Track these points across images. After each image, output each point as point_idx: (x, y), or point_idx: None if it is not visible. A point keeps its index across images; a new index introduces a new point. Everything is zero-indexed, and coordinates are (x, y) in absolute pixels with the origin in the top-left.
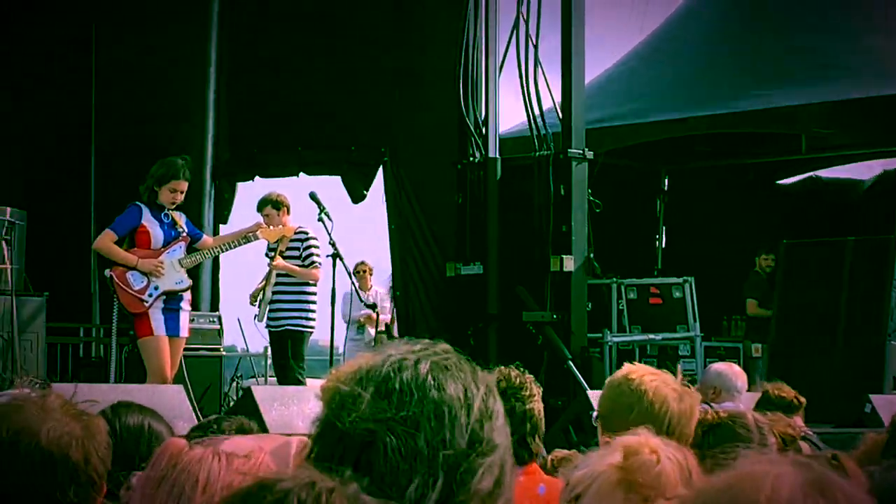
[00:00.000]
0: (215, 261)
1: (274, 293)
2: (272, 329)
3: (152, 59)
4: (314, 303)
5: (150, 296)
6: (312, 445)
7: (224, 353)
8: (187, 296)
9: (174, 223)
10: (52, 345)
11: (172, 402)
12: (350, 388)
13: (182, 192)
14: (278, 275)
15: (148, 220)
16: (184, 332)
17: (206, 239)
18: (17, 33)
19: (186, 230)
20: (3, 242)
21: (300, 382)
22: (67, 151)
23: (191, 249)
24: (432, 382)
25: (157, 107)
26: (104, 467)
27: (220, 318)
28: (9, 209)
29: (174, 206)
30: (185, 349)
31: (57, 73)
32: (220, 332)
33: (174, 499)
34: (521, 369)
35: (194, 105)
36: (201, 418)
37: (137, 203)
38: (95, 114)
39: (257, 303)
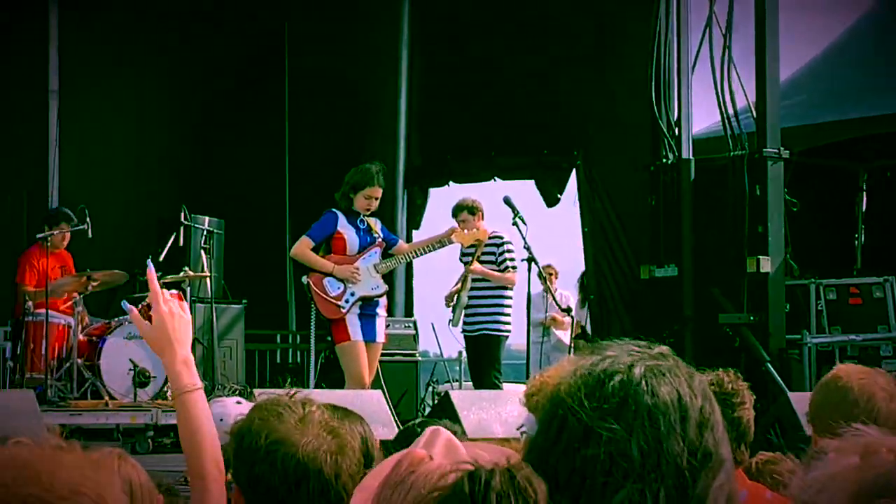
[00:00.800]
0: (409, 266)
1: (470, 297)
2: (468, 333)
3: (343, 66)
4: (510, 307)
5: (347, 302)
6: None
7: (420, 358)
8: (383, 301)
9: (370, 229)
10: (250, 351)
11: (373, 408)
12: (563, 393)
13: (377, 199)
14: (474, 279)
15: (343, 227)
16: (380, 337)
17: (401, 244)
18: (210, 36)
19: (382, 235)
20: (203, 251)
21: (497, 387)
22: (263, 159)
23: (386, 255)
24: (645, 387)
25: (349, 114)
26: (353, 484)
27: (415, 323)
28: (207, 219)
29: (369, 213)
30: (382, 354)
31: (252, 77)
32: (415, 338)
33: None
34: (737, 374)
35: (386, 112)
36: (399, 424)
37: (333, 210)
38: (289, 121)
39: (451, 306)
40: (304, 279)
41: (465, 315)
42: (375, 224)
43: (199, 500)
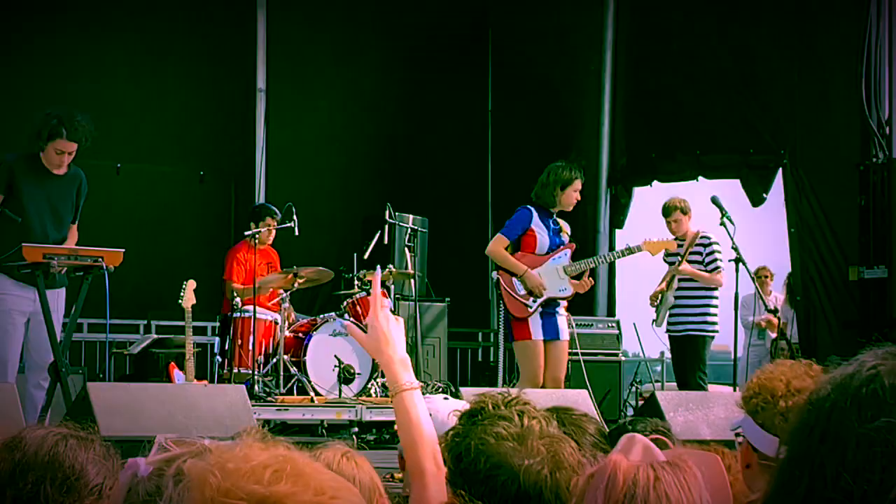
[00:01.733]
0: (612, 266)
1: (676, 297)
2: (673, 334)
3: (547, 63)
4: (716, 307)
5: (535, 301)
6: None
7: (623, 358)
8: (563, 301)
9: (561, 230)
10: (451, 349)
11: (578, 407)
12: (824, 395)
13: (577, 192)
14: (681, 279)
15: (537, 225)
16: (564, 335)
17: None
18: (412, 35)
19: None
20: (407, 249)
21: (701, 387)
22: (466, 156)
23: (575, 257)
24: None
25: (553, 112)
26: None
27: (618, 322)
28: (411, 217)
29: (571, 208)
30: (584, 354)
31: (455, 77)
32: (618, 338)
33: None
34: None
35: (590, 110)
36: (604, 423)
37: (528, 206)
38: (492, 120)
39: (656, 306)
40: (494, 275)
41: (671, 315)
42: (566, 227)
43: (420, 496)
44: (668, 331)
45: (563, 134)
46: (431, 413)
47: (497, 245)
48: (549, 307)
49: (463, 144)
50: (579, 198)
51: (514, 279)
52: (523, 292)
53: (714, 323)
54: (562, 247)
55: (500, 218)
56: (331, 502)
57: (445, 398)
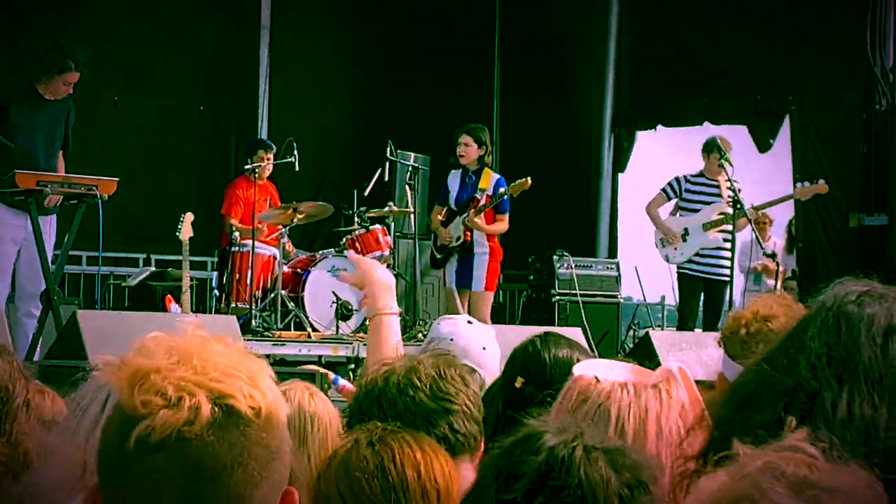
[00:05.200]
0: (613, 208)
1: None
2: (705, 276)
3: (554, 3)
4: (730, 251)
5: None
6: (748, 396)
7: (621, 300)
8: (480, 249)
9: (477, 184)
10: None
11: None
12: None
13: (467, 146)
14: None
15: (452, 183)
16: (477, 285)
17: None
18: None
19: (490, 192)
20: (408, 188)
21: None
22: (471, 94)
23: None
24: None
25: (559, 51)
26: None
27: (617, 265)
28: (413, 155)
29: (464, 162)
30: (583, 295)
31: (462, 5)
32: (617, 280)
33: None
34: None
35: (595, 52)
36: None
37: (451, 170)
38: (499, 58)
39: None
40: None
41: (703, 255)
42: (490, 179)
43: None
44: (696, 271)
45: (570, 74)
46: (452, 335)
47: (432, 213)
48: (463, 257)
49: (468, 83)
50: (466, 154)
51: (434, 234)
52: (438, 245)
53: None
54: (470, 201)
55: (505, 157)
56: (210, 383)
57: (469, 321)
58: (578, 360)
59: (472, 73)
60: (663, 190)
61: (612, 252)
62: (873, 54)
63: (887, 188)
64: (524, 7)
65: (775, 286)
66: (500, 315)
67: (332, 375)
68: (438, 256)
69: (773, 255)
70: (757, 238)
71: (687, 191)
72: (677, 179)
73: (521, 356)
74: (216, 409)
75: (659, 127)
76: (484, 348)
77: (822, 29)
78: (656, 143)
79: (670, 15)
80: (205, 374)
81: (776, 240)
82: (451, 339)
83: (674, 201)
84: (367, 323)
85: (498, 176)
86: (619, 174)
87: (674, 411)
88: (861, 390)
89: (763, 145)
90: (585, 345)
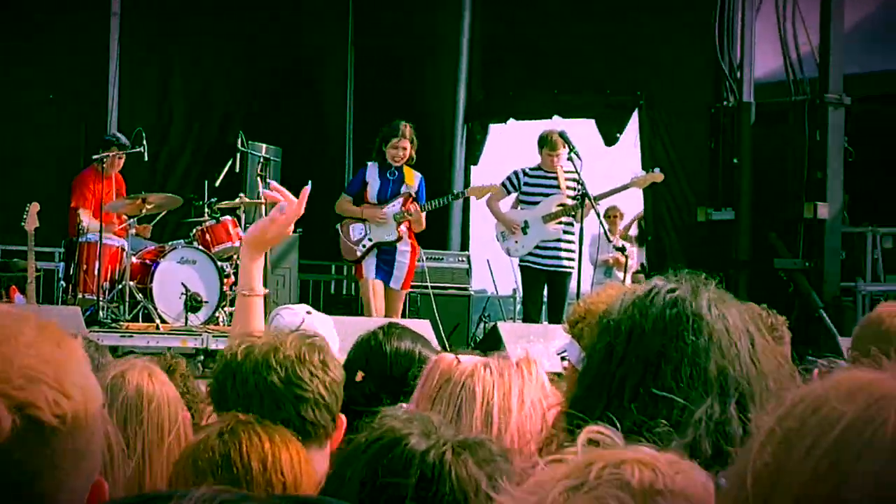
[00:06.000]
0: (466, 203)
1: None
2: (547, 268)
3: (404, 6)
4: (571, 242)
5: (364, 246)
6: (581, 378)
7: (472, 292)
8: (403, 247)
9: (401, 180)
10: (304, 281)
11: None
12: (624, 317)
13: (405, 150)
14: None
15: (371, 177)
16: (395, 283)
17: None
18: None
19: (416, 190)
20: (259, 179)
21: None
22: (325, 86)
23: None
24: (717, 312)
25: (411, 46)
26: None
27: (468, 257)
28: (264, 146)
29: (401, 162)
30: (434, 287)
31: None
32: (468, 272)
33: (453, 412)
34: (772, 311)
35: (448, 46)
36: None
37: (368, 163)
38: (354, 53)
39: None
40: (338, 226)
41: (545, 248)
42: (414, 178)
43: None
44: (537, 263)
45: (421, 67)
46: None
47: (340, 201)
48: (386, 253)
49: (320, 74)
50: (404, 154)
51: (351, 226)
52: (357, 238)
53: (572, 259)
54: (396, 197)
55: (358, 149)
56: (11, 391)
57: (309, 311)
58: (421, 354)
59: (323, 65)
60: (503, 184)
61: (465, 245)
62: (721, 50)
63: (734, 183)
64: (377, 5)
65: (624, 279)
66: (351, 306)
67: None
68: (359, 249)
69: (622, 249)
70: (605, 231)
71: (526, 184)
72: (515, 173)
73: (362, 348)
74: (17, 420)
75: (510, 120)
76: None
77: (670, 25)
78: (508, 136)
79: (522, 9)
80: (6, 381)
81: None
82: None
83: (514, 195)
84: (238, 292)
85: (419, 174)
86: (472, 167)
87: (536, 386)
88: (659, 373)
89: (610, 139)
90: (433, 337)
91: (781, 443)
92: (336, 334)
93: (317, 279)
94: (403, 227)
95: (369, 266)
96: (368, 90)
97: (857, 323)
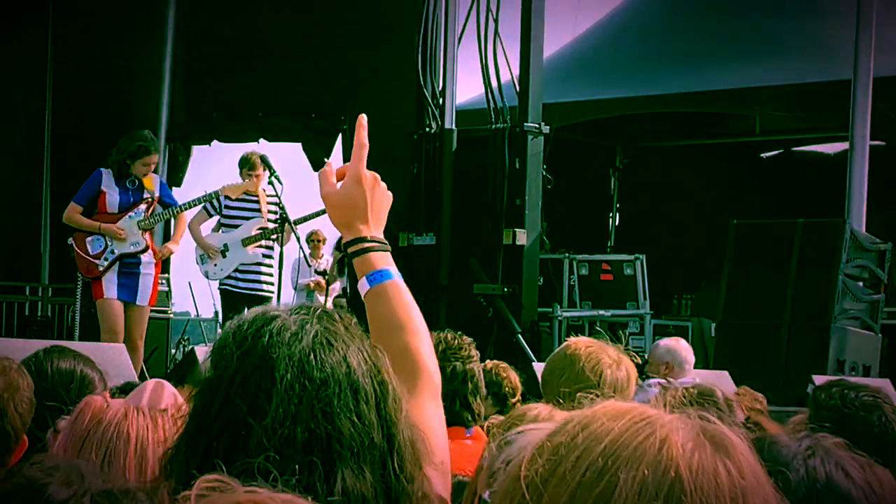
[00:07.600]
0: (167, 224)
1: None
2: (242, 291)
3: (108, 21)
4: (271, 266)
5: (106, 260)
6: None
7: (172, 315)
8: (147, 258)
9: (141, 188)
10: None
11: (114, 361)
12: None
13: (154, 164)
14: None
15: (107, 186)
16: (142, 299)
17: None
18: None
19: (158, 194)
20: None
21: None
22: (21, 111)
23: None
24: (314, 360)
25: (112, 67)
26: (22, 422)
27: (168, 280)
28: None
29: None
30: None
31: (13, 31)
32: (168, 294)
33: (104, 456)
34: (458, 333)
35: (151, 66)
36: (146, 377)
37: (100, 169)
38: (52, 72)
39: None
40: (69, 240)
41: (244, 271)
42: (153, 182)
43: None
44: (237, 287)
45: (124, 88)
46: None
47: (70, 212)
48: (129, 267)
49: (16, 101)
50: (152, 168)
51: (87, 240)
52: (95, 252)
53: (271, 283)
54: (138, 203)
55: (57, 170)
56: None
57: None
58: (83, 373)
59: (22, 75)
60: (203, 207)
61: (165, 267)
62: (424, 77)
63: (436, 209)
64: (79, 9)
65: (325, 303)
66: (47, 330)
67: None
68: (101, 264)
69: (323, 273)
70: (305, 256)
71: (227, 207)
72: (217, 196)
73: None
74: None
75: (214, 142)
76: None
77: (375, 50)
78: (212, 157)
79: (225, 30)
80: None
81: (328, 258)
82: None
83: (216, 218)
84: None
85: (156, 175)
86: (175, 188)
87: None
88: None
89: (317, 163)
90: (128, 360)
91: (552, 455)
92: None
93: (11, 300)
94: (147, 236)
95: (110, 284)
96: (67, 109)
97: (549, 356)
